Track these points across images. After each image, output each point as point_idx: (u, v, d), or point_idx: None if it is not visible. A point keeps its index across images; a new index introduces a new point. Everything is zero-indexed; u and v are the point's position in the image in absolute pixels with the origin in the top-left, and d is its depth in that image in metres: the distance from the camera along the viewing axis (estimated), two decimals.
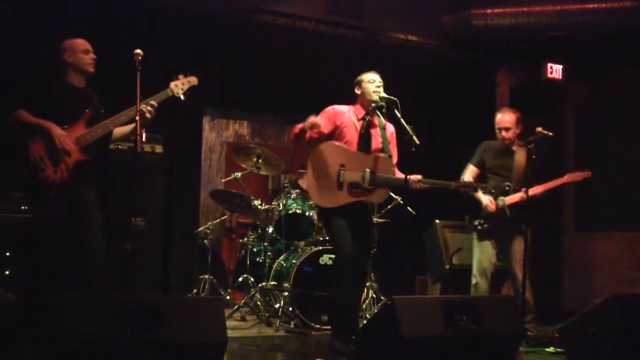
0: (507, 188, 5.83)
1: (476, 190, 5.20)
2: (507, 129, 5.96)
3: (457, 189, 5.16)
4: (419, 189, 5.03)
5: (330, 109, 5.19)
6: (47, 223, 4.58)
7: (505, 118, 5.99)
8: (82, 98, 4.75)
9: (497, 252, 5.96)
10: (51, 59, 4.83)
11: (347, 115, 5.16)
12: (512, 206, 5.82)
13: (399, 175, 5.11)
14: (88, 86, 4.86)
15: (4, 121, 4.65)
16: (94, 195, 4.77)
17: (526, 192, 5.59)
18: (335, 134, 5.12)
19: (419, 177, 5.01)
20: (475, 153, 6.19)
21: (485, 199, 5.88)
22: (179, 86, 4.79)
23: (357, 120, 5.15)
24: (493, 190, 5.88)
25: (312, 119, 4.93)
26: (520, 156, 5.90)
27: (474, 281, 5.98)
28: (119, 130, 4.85)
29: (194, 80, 4.86)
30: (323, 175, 5.01)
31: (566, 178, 5.91)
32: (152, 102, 4.64)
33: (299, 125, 4.98)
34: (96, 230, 4.71)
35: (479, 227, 5.94)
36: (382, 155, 5.08)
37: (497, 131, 6.05)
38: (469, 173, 6.10)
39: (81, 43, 4.81)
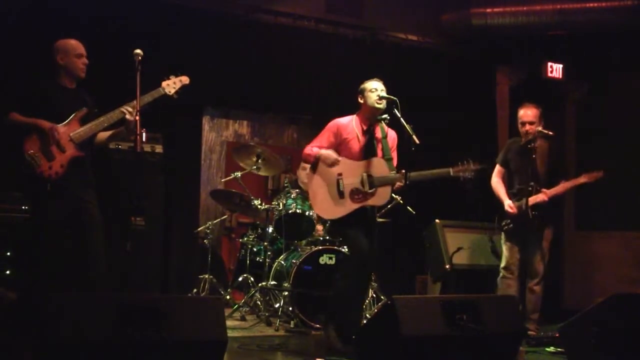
0: (530, 188, 5.83)
1: (474, 171, 5.05)
2: (531, 123, 5.94)
3: (455, 174, 5.02)
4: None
5: (333, 124, 5.22)
6: (47, 222, 4.58)
7: (528, 112, 5.99)
8: (74, 98, 4.77)
9: (522, 250, 6.01)
10: (44, 59, 4.83)
11: (350, 127, 5.18)
12: (534, 206, 5.83)
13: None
14: (79, 87, 4.87)
15: None
16: (94, 194, 4.78)
17: (538, 190, 5.78)
18: (340, 147, 5.14)
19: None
20: (501, 152, 6.28)
21: (506, 202, 5.98)
22: (171, 85, 4.81)
23: (360, 132, 5.16)
24: (515, 191, 6.02)
25: (333, 156, 5.01)
26: (542, 154, 5.96)
27: (500, 275, 6.06)
28: (102, 135, 4.86)
29: (185, 79, 4.89)
30: (324, 188, 5.08)
31: (582, 179, 5.96)
32: (133, 104, 4.63)
33: (314, 154, 5.08)
34: (97, 230, 4.71)
35: (505, 228, 6.02)
36: (376, 158, 5.11)
37: (520, 126, 6.04)
38: (496, 173, 6.23)
39: (75, 46, 4.80)
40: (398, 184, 4.99)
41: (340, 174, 5.05)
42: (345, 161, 5.09)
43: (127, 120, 4.63)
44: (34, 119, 4.57)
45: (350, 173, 5.06)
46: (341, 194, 5.04)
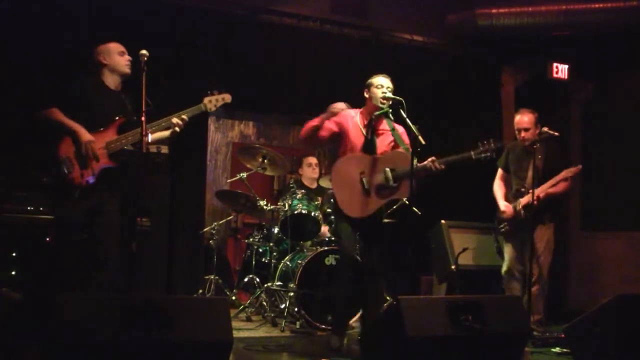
0: (522, 190, 5.90)
1: (495, 149, 5.03)
2: (526, 130, 5.98)
3: (477, 157, 5.01)
4: (439, 168, 4.96)
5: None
6: (69, 226, 4.57)
7: (524, 119, 6.01)
8: (116, 103, 4.74)
9: (520, 251, 6.01)
10: (86, 61, 4.84)
11: (353, 119, 5.19)
12: (526, 207, 5.85)
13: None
14: (123, 90, 4.85)
15: (32, 116, 4.66)
16: (118, 201, 4.73)
17: (532, 192, 5.67)
18: (341, 136, 5.14)
19: (432, 158, 4.98)
20: (502, 155, 6.30)
21: (502, 204, 6.07)
22: (212, 102, 4.80)
23: (363, 126, 5.16)
24: (514, 193, 6.06)
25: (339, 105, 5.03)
26: (539, 157, 5.95)
27: (504, 278, 6.10)
28: (157, 135, 4.86)
29: (228, 97, 4.86)
30: (348, 188, 5.07)
31: (563, 174, 5.91)
32: (184, 117, 4.67)
33: (315, 122, 5.07)
34: (114, 235, 4.67)
35: (502, 230, 6.09)
36: (394, 151, 5.11)
37: (516, 132, 6.09)
38: (498, 176, 6.31)
39: (117, 45, 4.83)
40: (428, 165, 4.93)
41: (362, 172, 5.05)
42: (365, 158, 5.09)
43: (175, 131, 4.70)
44: (75, 123, 4.52)
45: (372, 169, 5.05)
46: (367, 192, 5.05)
